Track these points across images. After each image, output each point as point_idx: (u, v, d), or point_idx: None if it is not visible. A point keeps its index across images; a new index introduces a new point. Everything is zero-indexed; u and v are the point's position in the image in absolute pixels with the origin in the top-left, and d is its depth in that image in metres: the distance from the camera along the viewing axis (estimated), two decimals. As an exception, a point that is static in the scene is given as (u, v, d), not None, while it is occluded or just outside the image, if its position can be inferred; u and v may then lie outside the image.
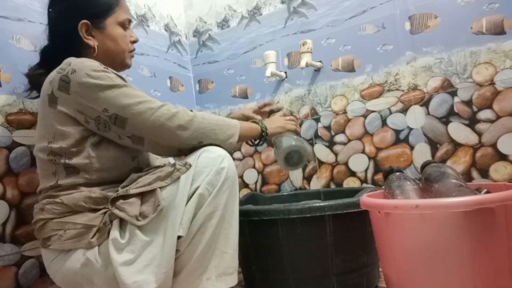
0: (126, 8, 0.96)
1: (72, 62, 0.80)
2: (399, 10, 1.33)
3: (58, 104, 0.79)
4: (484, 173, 1.20)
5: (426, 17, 1.28)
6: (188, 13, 1.84)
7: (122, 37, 0.94)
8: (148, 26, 1.59)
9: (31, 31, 1.08)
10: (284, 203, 1.14)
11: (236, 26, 1.69)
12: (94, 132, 0.81)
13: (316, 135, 1.48)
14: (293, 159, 0.99)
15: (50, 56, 0.88)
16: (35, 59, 1.08)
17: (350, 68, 1.42)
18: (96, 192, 0.78)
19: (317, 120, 1.48)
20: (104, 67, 0.81)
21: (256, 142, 1.01)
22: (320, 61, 1.46)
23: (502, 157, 1.17)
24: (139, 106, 0.77)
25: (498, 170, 1.18)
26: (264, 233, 0.95)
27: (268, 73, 1.43)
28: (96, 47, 0.90)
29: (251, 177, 1.61)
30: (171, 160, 0.87)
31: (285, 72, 1.55)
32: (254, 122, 0.99)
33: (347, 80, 1.42)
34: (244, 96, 1.66)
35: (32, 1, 1.10)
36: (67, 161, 0.79)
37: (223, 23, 1.73)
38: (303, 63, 1.35)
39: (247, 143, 1.05)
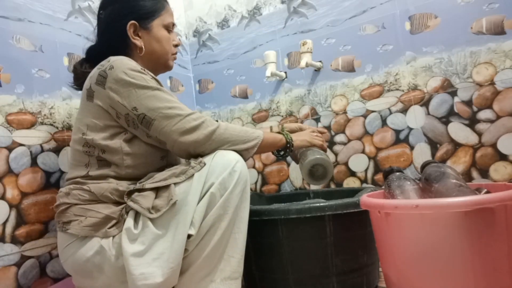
0: (171, 13, 0.99)
1: (111, 59, 0.83)
2: (399, 10, 1.33)
3: (94, 98, 0.83)
4: (484, 173, 1.20)
5: (426, 17, 1.28)
6: (188, 13, 1.84)
7: (166, 39, 0.97)
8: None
9: (31, 31, 1.08)
10: (284, 203, 1.14)
11: (236, 26, 1.69)
12: (126, 128, 0.83)
13: (316, 135, 1.48)
14: (317, 172, 1.00)
15: (97, 55, 0.91)
16: (35, 59, 1.08)
17: (350, 68, 1.42)
18: (123, 185, 0.80)
19: (317, 120, 1.48)
20: (141, 68, 0.83)
21: (281, 153, 1.02)
22: (320, 61, 1.46)
23: (502, 157, 1.17)
24: (168, 110, 0.80)
25: (498, 170, 1.18)
26: (264, 233, 0.95)
27: (268, 73, 1.43)
28: (142, 47, 0.93)
29: (251, 177, 1.61)
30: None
31: (285, 72, 1.55)
32: (280, 133, 0.99)
33: (347, 80, 1.42)
34: (244, 96, 1.66)
35: (32, 1, 1.09)
36: (100, 153, 0.82)
37: (223, 23, 1.73)
38: (303, 63, 1.34)
39: (272, 153, 1.05)
